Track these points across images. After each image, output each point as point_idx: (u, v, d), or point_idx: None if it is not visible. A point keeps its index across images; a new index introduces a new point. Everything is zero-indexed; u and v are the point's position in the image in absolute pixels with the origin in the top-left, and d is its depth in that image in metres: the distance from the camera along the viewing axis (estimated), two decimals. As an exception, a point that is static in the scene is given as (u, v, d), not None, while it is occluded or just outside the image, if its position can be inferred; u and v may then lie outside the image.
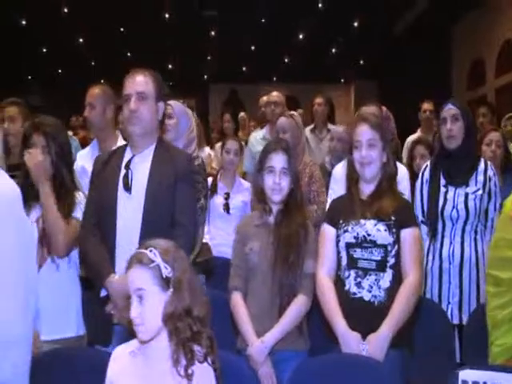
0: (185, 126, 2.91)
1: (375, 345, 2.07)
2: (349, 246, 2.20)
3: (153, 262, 1.54)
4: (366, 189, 2.27)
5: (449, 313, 2.70)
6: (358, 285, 2.16)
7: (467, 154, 2.74)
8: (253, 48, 12.22)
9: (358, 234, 2.18)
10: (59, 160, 2.38)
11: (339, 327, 2.12)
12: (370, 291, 2.14)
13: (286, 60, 12.95)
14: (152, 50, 11.45)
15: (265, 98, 5.57)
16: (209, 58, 12.60)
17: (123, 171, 2.27)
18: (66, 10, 10.01)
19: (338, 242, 2.23)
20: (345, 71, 13.59)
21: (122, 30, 11.09)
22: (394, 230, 2.16)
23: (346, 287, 2.18)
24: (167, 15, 10.46)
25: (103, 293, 2.22)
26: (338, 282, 2.22)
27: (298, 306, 2.23)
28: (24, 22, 10.41)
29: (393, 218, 2.17)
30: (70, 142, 2.58)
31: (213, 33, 11.35)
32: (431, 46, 10.12)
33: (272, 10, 9.95)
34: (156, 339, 1.57)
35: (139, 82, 2.29)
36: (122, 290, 2.11)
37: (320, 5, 10.06)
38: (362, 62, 13.13)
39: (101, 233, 2.26)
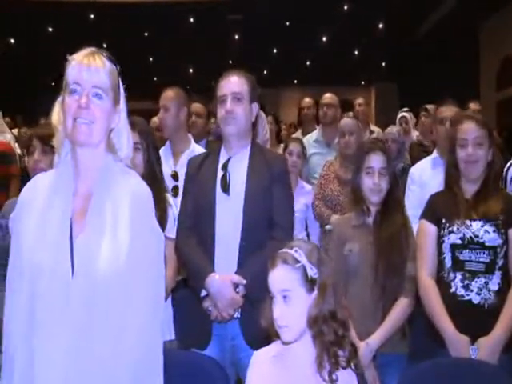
0: (260, 128, 2.88)
1: (487, 348, 2.02)
2: (454, 247, 2.15)
3: (298, 262, 1.50)
4: (469, 188, 2.22)
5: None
6: (466, 287, 2.11)
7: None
8: (275, 51, 12.24)
9: (464, 235, 2.14)
10: (152, 158, 2.35)
11: (447, 330, 2.08)
12: (480, 294, 2.09)
13: (308, 63, 12.93)
14: (174, 54, 11.50)
15: (307, 100, 5.52)
16: (230, 62, 12.60)
17: (220, 173, 2.24)
18: (91, 16, 10.06)
19: (441, 242, 2.19)
20: (366, 73, 13.56)
21: (146, 34, 11.12)
22: (502, 231, 2.12)
23: (452, 289, 2.14)
24: (192, 19, 10.48)
25: (203, 293, 2.18)
26: (441, 284, 2.18)
27: (402, 308, 2.20)
28: (50, 29, 10.47)
29: (501, 217, 2.12)
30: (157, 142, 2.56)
31: (236, 36, 11.37)
32: (458, 47, 10.05)
33: (297, 12, 9.95)
34: (298, 342, 1.53)
35: (234, 83, 2.27)
36: (223, 290, 2.11)
37: (345, 7, 10.07)
38: (383, 63, 13.11)
39: (198, 234, 2.22)
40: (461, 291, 2.12)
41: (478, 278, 2.10)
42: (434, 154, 2.99)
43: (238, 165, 2.24)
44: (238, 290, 2.14)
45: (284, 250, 1.54)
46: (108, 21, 9.95)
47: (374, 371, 2.15)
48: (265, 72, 13.82)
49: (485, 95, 10.16)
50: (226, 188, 2.20)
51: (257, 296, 2.12)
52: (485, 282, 2.10)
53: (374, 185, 2.27)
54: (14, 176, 4.51)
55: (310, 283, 1.51)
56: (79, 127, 1.46)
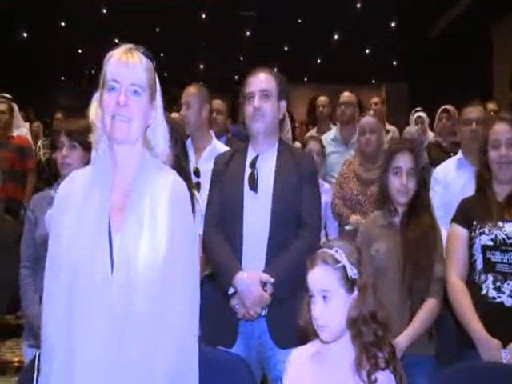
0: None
1: (519, 352, 2.00)
2: (485, 248, 2.13)
3: (338, 262, 1.49)
4: (502, 190, 2.20)
5: None
6: (498, 289, 2.09)
7: None
8: (286, 48, 12.21)
9: (496, 236, 2.11)
10: (180, 153, 2.34)
11: (478, 333, 2.06)
12: None
13: (319, 61, 12.89)
14: (185, 50, 11.48)
15: (323, 98, 5.49)
16: (241, 58, 12.57)
17: (248, 170, 2.23)
18: (104, 11, 10.06)
19: (472, 244, 2.17)
20: (376, 72, 13.51)
21: (157, 30, 11.11)
22: None
23: (483, 291, 2.12)
24: (204, 15, 10.46)
25: (230, 291, 2.17)
26: (472, 286, 2.16)
27: (429, 309, 2.18)
28: (63, 24, 10.47)
29: None
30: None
31: (248, 33, 11.35)
32: (470, 47, 9.99)
33: (309, 10, 9.93)
34: (337, 342, 1.51)
35: (263, 80, 2.26)
36: (252, 288, 2.11)
37: (358, 5, 10.04)
38: (394, 63, 13.06)
39: (225, 232, 2.21)
40: (492, 293, 2.09)
41: (511, 280, 2.08)
42: (459, 154, 2.97)
43: (265, 162, 2.23)
44: (266, 288, 2.13)
45: (324, 249, 1.53)
46: (120, 16, 9.96)
47: (402, 372, 2.13)
48: (275, 69, 13.80)
49: (498, 96, 10.10)
50: (254, 185, 2.19)
51: (284, 294, 2.12)
52: None
53: (401, 185, 2.25)
54: (30, 170, 4.54)
55: (350, 283, 1.50)
56: (117, 124, 1.46)
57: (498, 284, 2.09)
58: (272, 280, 2.11)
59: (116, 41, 11.58)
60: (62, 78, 13.53)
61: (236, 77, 14.11)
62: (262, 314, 2.15)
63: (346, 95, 4.37)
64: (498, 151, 2.16)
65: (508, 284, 2.08)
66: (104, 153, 1.53)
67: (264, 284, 2.12)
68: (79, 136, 2.35)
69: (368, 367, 1.48)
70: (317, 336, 1.55)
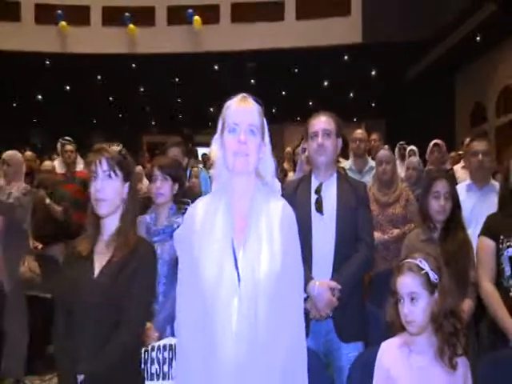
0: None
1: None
2: None
3: (422, 270, 1.58)
4: None
5: None
6: None
7: None
8: (284, 93, 12.45)
9: None
10: None
11: (510, 328, 2.13)
12: None
13: (310, 103, 13.15)
14: (198, 96, 11.64)
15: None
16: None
17: (314, 196, 2.31)
18: (133, 66, 10.26)
19: (500, 255, 2.25)
20: (358, 112, 13.80)
21: (176, 79, 11.30)
22: None
23: (511, 294, 2.20)
24: (216, 67, 10.70)
25: (304, 296, 2.22)
26: (501, 289, 2.23)
27: (468, 309, 2.26)
28: (99, 77, 10.66)
29: None
30: None
31: (252, 81, 11.59)
32: (436, 92, 10.31)
33: (304, 61, 10.20)
34: (422, 335, 1.60)
35: (324, 122, 2.36)
36: (323, 294, 2.17)
37: (345, 57, 10.35)
38: (373, 104, 13.36)
39: None
40: None
41: None
42: (468, 181, 3.07)
43: (328, 189, 2.31)
44: (334, 293, 2.19)
45: (409, 259, 1.62)
46: (147, 70, 10.16)
47: None
48: (273, 111, 14.06)
49: (461, 130, 10.39)
50: (320, 209, 2.27)
51: (347, 298, 2.20)
52: None
53: (439, 207, 2.36)
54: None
55: (432, 287, 1.59)
56: (239, 160, 1.52)
57: None
58: (339, 287, 2.18)
59: (142, 89, 11.75)
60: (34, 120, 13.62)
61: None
62: (330, 315, 2.22)
63: (360, 132, 4.48)
64: (520, 176, 2.27)
65: None
66: (224, 183, 1.58)
67: (332, 290, 2.20)
68: (170, 169, 2.43)
69: (449, 354, 1.56)
70: (404, 330, 1.63)
